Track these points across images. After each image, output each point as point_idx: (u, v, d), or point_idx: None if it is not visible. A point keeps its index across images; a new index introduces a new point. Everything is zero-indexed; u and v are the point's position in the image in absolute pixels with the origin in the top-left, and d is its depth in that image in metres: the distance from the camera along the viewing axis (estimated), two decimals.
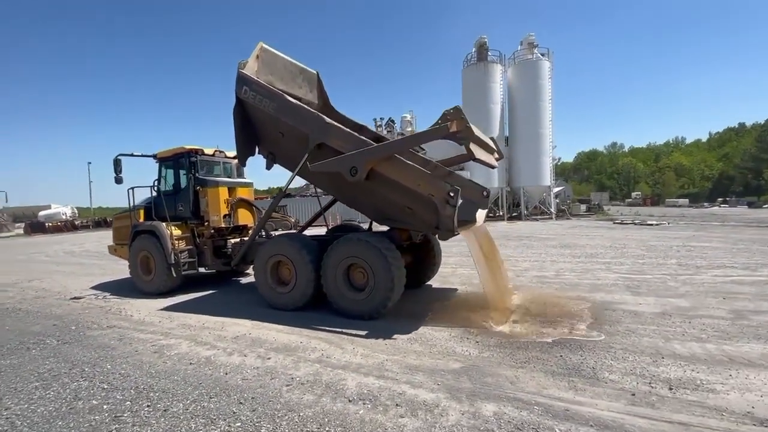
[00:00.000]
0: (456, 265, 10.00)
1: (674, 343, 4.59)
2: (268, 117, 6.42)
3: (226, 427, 3.09)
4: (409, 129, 36.70)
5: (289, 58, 7.65)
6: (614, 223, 23.11)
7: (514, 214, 31.76)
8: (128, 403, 3.53)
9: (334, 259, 6.02)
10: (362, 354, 4.56)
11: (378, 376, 3.95)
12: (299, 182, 7.20)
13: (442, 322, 5.68)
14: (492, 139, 7.45)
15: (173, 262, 7.86)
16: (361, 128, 8.43)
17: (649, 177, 78.01)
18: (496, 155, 7.46)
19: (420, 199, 5.51)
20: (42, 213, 43.56)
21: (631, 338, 4.77)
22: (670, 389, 3.51)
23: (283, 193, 7.52)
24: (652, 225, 20.26)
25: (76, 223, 39.94)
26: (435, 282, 8.28)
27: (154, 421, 3.20)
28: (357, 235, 6.11)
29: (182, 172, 8.52)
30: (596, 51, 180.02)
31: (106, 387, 3.88)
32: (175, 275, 7.96)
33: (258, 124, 6.79)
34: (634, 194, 62.00)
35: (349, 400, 3.47)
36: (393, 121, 37.87)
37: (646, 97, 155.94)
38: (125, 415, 3.32)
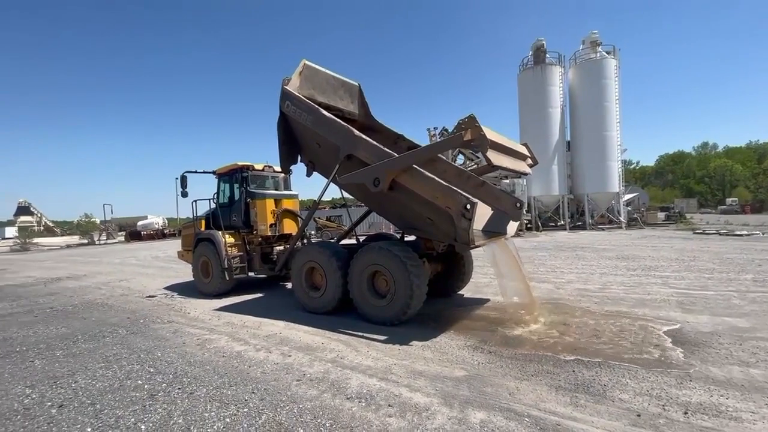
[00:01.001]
0: (495, 275, 9.76)
1: (711, 365, 4.16)
2: (306, 129, 7.01)
3: (235, 412, 3.51)
4: None
5: (331, 72, 8.23)
6: (694, 233, 20.58)
7: (578, 223, 29.69)
8: (164, 385, 4.14)
9: (359, 267, 6.35)
10: (374, 357, 4.78)
11: (381, 378, 4.15)
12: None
13: (462, 330, 5.70)
14: (525, 145, 7.30)
15: (226, 266, 8.78)
16: (398, 138, 8.76)
17: (749, 180, 67.52)
18: (530, 161, 7.29)
19: (439, 211, 5.62)
20: (140, 223, 50.19)
21: (661, 357, 4.40)
22: (685, 413, 3.25)
23: (317, 205, 8.06)
24: (740, 236, 17.72)
25: (165, 231, 45.41)
26: (468, 291, 8.23)
27: (179, 401, 3.74)
28: (380, 244, 6.37)
29: (236, 186, 9.52)
30: (683, 46, 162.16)
31: (152, 371, 4.57)
32: (228, 279, 8.88)
33: (298, 135, 7.43)
34: (729, 200, 53.82)
35: (347, 398, 3.72)
36: (447, 130, 37.62)
37: (744, 91, 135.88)
38: (159, 394, 3.92)
